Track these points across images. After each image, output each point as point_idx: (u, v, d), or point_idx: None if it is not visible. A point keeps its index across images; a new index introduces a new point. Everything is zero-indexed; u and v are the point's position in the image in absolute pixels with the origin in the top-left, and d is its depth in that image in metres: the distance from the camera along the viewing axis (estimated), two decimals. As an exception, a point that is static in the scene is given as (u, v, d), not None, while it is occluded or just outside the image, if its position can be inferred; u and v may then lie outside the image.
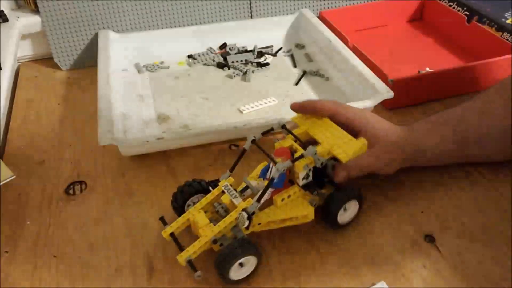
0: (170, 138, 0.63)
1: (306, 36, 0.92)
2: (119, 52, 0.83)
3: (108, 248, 0.53)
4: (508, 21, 0.85)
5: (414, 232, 0.53)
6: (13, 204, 0.59)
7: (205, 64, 0.87)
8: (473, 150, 0.57)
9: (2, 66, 0.76)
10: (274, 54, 0.89)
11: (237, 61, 0.86)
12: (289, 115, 0.59)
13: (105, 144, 0.60)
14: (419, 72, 0.80)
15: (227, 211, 0.51)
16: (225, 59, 0.86)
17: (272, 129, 0.56)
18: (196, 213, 0.49)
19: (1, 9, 0.86)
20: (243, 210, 0.47)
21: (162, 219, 0.52)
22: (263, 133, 0.55)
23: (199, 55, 0.88)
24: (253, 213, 0.48)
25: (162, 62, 0.87)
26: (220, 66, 0.85)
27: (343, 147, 0.51)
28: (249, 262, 0.47)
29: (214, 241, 0.48)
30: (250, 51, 0.88)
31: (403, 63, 0.85)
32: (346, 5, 0.98)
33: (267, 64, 0.86)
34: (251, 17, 0.94)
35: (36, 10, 0.86)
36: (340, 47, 0.81)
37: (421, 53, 0.90)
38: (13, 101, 0.79)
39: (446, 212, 0.56)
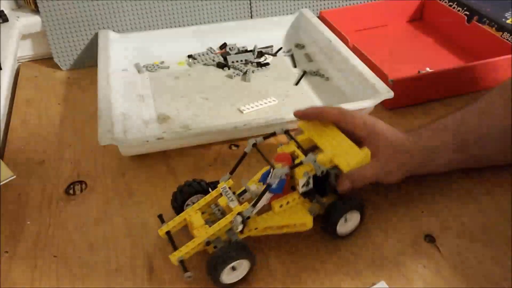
0: (170, 138, 0.63)
1: (306, 36, 0.92)
2: (119, 52, 0.83)
3: (108, 248, 0.53)
4: (508, 21, 0.85)
5: (414, 232, 0.53)
6: (13, 204, 0.59)
7: (205, 64, 0.87)
8: (473, 150, 0.57)
9: (2, 66, 0.76)
10: (274, 54, 0.89)
11: (237, 61, 0.86)
12: (289, 115, 0.59)
13: (105, 144, 0.60)
14: (419, 72, 0.80)
15: (223, 214, 0.50)
16: (225, 59, 0.86)
17: (274, 133, 0.55)
18: (193, 214, 0.49)
19: (1, 9, 0.86)
20: (238, 214, 0.47)
21: (160, 217, 0.52)
22: (265, 137, 0.54)
23: (199, 55, 0.88)
24: (248, 217, 0.47)
25: (162, 62, 0.87)
26: (220, 66, 0.85)
27: (346, 156, 0.50)
28: (242, 266, 0.47)
29: (208, 243, 0.47)
30: (250, 51, 0.88)
31: (403, 63, 0.85)
32: (346, 5, 0.98)
33: (267, 64, 0.86)
34: (251, 17, 0.94)
35: (36, 10, 0.86)
36: (340, 47, 0.81)
37: (421, 53, 0.90)
38: (13, 101, 0.79)
39: (446, 212, 0.56)
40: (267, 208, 0.50)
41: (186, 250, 0.47)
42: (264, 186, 0.48)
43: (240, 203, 0.49)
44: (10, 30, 0.84)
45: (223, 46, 0.90)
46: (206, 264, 0.46)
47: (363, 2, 0.98)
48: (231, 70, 0.85)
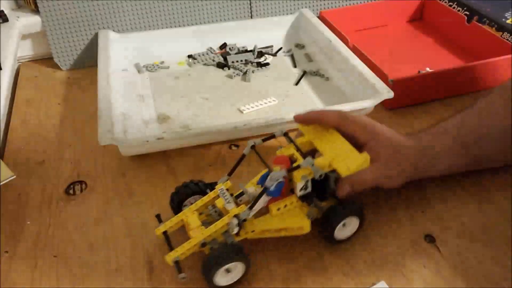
0: (170, 138, 0.63)
1: (306, 36, 0.92)
2: (119, 52, 0.83)
3: (108, 248, 0.53)
4: (508, 21, 0.85)
5: (414, 232, 0.53)
6: (13, 204, 0.59)
7: (205, 64, 0.87)
8: (473, 150, 0.57)
9: (2, 66, 0.76)
10: (274, 54, 0.89)
11: (237, 61, 0.86)
12: (289, 115, 0.59)
13: (105, 144, 0.60)
14: (419, 72, 0.80)
15: (220, 215, 0.50)
16: (225, 59, 0.86)
17: (273, 136, 0.54)
18: (189, 214, 0.49)
19: (1, 9, 0.86)
20: (235, 216, 0.47)
21: (158, 216, 0.52)
22: (264, 140, 0.54)
23: (199, 55, 0.88)
24: (244, 220, 0.47)
25: (162, 62, 0.87)
26: (220, 66, 0.85)
27: (345, 160, 0.49)
28: (236, 268, 0.47)
29: (203, 244, 0.47)
30: (250, 51, 0.88)
31: (403, 63, 0.85)
32: (346, 5, 0.98)
33: (267, 64, 0.86)
34: (251, 17, 0.94)
35: (36, 10, 0.86)
36: (340, 47, 0.81)
37: (421, 53, 0.91)
38: (13, 101, 0.79)
39: (446, 212, 0.56)
40: (265, 210, 0.50)
41: (181, 250, 0.46)
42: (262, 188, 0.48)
43: (237, 205, 0.49)
44: (10, 30, 0.84)
45: (223, 46, 0.90)
46: (201, 265, 0.46)
47: (363, 2, 0.98)
48: (231, 70, 0.85)
